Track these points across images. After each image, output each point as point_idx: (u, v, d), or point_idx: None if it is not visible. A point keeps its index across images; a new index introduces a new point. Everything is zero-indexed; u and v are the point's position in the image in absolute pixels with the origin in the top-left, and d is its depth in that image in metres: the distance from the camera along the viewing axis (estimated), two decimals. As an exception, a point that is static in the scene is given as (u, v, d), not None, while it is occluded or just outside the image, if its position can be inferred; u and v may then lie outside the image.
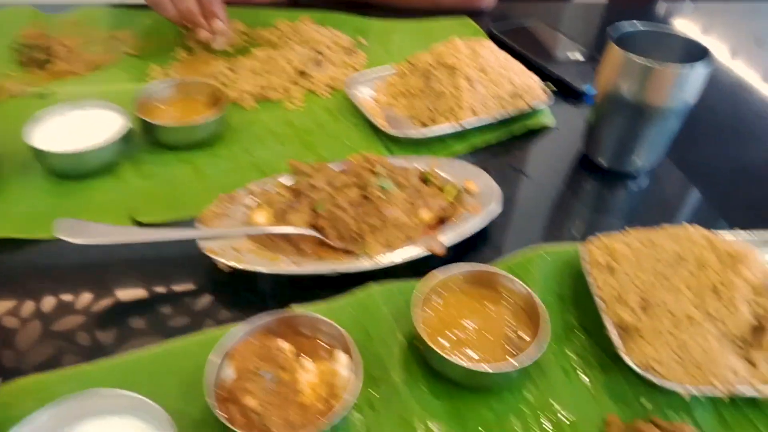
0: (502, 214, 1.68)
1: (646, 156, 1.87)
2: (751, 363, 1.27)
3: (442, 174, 1.73)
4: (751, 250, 1.35)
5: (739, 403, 1.30)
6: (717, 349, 1.25)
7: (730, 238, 1.38)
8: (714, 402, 1.30)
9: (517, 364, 1.20)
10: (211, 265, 1.44)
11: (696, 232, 1.43)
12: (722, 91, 2.43)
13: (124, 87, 2.05)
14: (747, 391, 1.24)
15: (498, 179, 1.74)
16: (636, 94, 1.71)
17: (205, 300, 1.45)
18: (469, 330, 1.33)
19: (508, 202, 1.74)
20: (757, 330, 1.29)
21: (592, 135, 1.95)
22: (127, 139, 1.75)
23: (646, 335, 1.29)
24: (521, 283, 1.36)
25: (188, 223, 1.55)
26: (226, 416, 1.09)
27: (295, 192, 1.58)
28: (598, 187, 1.94)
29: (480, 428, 1.23)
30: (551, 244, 1.63)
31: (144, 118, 1.77)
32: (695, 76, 1.65)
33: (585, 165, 2.00)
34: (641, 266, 1.39)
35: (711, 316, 1.28)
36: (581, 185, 1.94)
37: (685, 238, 1.41)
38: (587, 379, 1.33)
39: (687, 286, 1.32)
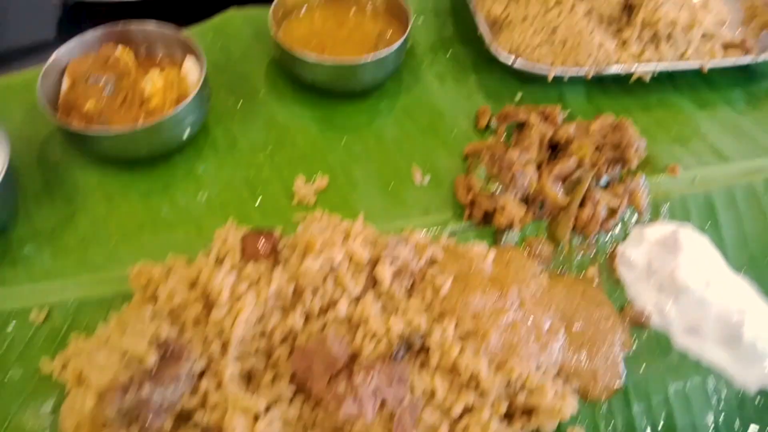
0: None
1: None
2: (622, 42, 1.25)
3: None
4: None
5: (607, 86, 1.29)
6: (586, 30, 1.22)
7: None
8: (585, 87, 1.29)
9: (374, 56, 1.14)
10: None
11: None
12: None
13: None
14: (615, 69, 1.23)
15: None
16: None
17: (49, 36, 1.33)
18: (336, 38, 1.25)
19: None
20: (628, 7, 1.25)
21: None
22: None
23: (516, 24, 1.24)
24: (388, -14, 1.27)
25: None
26: (61, 118, 1.02)
27: None
28: None
29: (352, 129, 1.20)
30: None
31: None
32: None
33: None
34: (514, -41, 1.30)
35: (581, -3, 1.23)
36: None
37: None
38: (461, 83, 1.30)
39: (558, -33, 1.25)
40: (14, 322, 0.93)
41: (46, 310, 0.94)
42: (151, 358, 0.73)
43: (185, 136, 1.08)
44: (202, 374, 0.78)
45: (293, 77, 1.24)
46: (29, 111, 1.13)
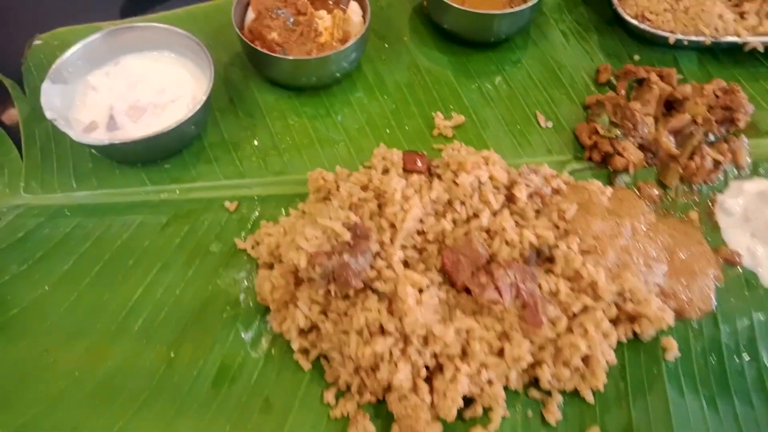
0: None
1: None
2: (741, 13, 1.35)
3: None
4: None
5: (720, 56, 1.40)
6: (708, 0, 1.33)
7: None
8: (698, 54, 1.40)
9: (511, 10, 1.29)
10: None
11: None
12: None
13: None
14: (733, 38, 1.33)
15: None
16: None
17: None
18: (475, -6, 1.40)
19: None
20: (750, -18, 1.35)
21: None
22: None
23: (642, -10, 1.36)
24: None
25: None
26: (251, 40, 1.22)
27: None
28: None
29: (484, 75, 1.36)
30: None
31: None
32: None
33: None
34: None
35: (707, -31, 1.33)
36: None
37: None
38: (583, 41, 1.43)
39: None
40: (212, 208, 1.15)
41: (236, 202, 1.16)
42: (347, 234, 0.93)
43: (348, 69, 1.27)
44: (375, 256, 0.98)
45: (434, 25, 1.40)
46: (214, 36, 1.34)
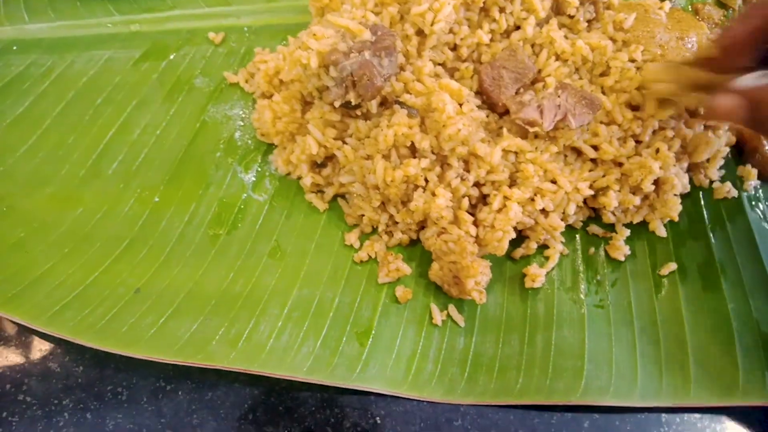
0: None
1: None
2: None
3: None
4: None
5: None
6: None
7: None
8: None
9: None
10: None
11: None
12: None
13: None
14: None
15: None
16: None
17: None
18: None
19: None
20: None
21: None
22: None
23: None
24: None
25: None
26: None
27: None
28: None
29: None
30: None
31: None
32: None
33: None
34: None
35: None
36: None
37: None
38: None
39: None
40: (194, 41, 0.96)
41: (222, 33, 0.96)
42: (366, 33, 0.74)
43: None
44: (400, 69, 0.79)
45: None
46: None
